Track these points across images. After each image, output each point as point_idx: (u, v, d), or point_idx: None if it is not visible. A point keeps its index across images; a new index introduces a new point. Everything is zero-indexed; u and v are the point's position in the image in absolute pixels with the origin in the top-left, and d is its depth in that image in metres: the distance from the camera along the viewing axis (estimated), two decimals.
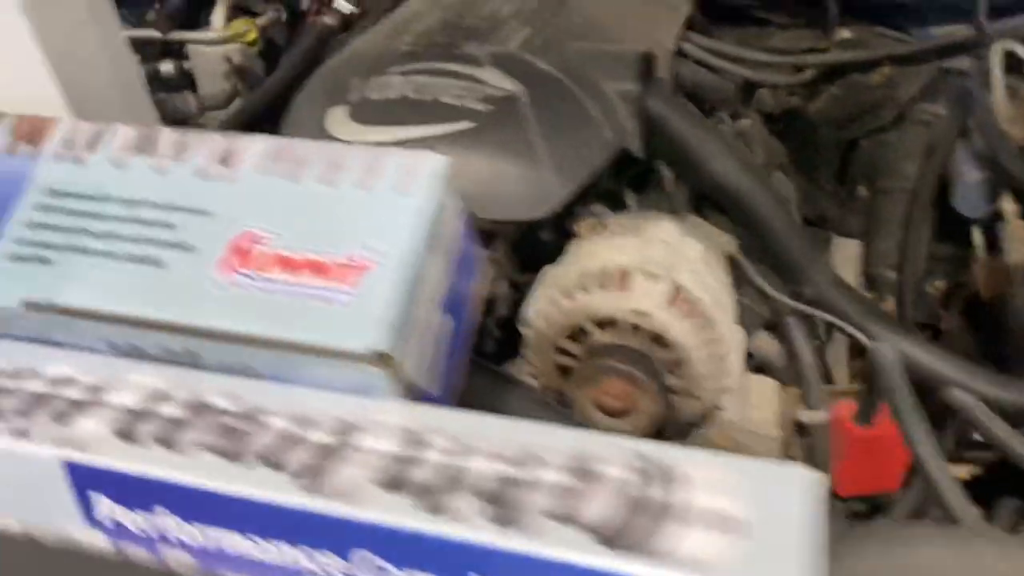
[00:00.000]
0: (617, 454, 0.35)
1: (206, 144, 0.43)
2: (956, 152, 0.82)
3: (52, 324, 0.41)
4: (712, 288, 0.59)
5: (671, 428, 0.61)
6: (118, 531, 0.37)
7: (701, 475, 0.34)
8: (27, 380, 0.41)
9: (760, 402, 0.63)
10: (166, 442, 0.37)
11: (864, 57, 0.85)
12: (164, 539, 0.37)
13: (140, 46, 0.94)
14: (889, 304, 0.81)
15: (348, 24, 0.92)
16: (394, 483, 0.34)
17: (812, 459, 0.68)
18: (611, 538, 0.31)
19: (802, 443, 0.68)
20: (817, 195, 0.95)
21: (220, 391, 0.39)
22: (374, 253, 0.38)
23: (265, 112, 0.86)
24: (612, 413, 0.58)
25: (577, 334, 0.59)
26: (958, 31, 0.84)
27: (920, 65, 0.86)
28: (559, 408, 0.57)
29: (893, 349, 0.59)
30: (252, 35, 0.93)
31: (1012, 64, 0.77)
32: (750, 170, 0.70)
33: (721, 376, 0.59)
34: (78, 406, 0.39)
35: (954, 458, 0.68)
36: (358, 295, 0.37)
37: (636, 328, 0.57)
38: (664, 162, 0.71)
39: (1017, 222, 0.73)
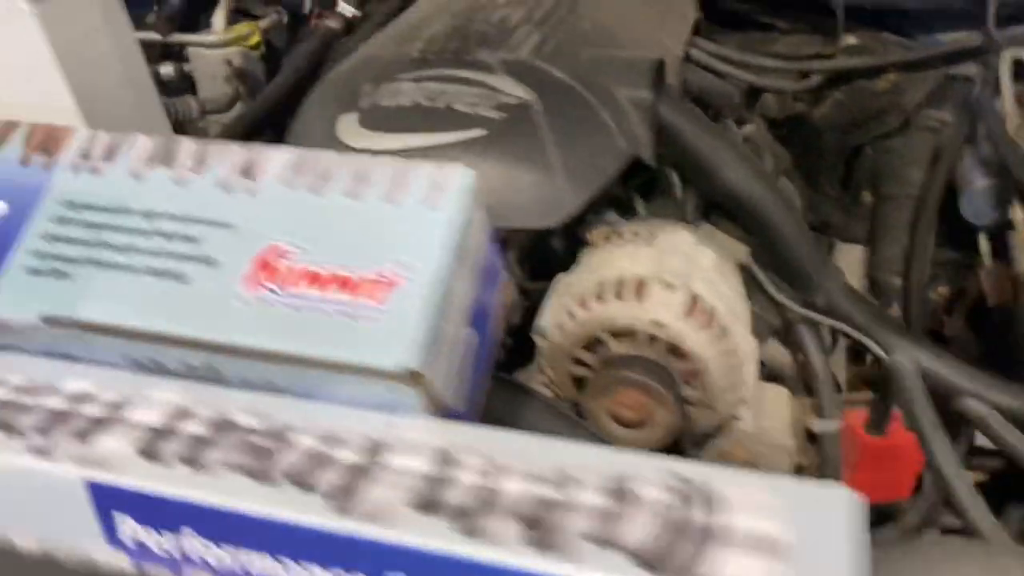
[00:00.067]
0: (655, 475, 0.34)
1: (227, 155, 0.42)
2: (963, 159, 0.82)
3: (70, 339, 0.40)
4: (727, 297, 0.59)
5: (686, 439, 0.60)
6: (141, 552, 0.37)
7: (741, 496, 0.33)
8: (45, 396, 0.40)
9: (773, 412, 0.63)
10: (191, 461, 0.36)
11: (871, 63, 0.85)
12: (189, 561, 0.36)
13: None
14: (894, 311, 0.81)
15: (351, 27, 0.91)
16: (428, 504, 0.34)
17: (824, 468, 0.67)
18: (653, 562, 0.31)
19: (813, 452, 0.68)
20: (821, 201, 0.94)
21: (244, 408, 0.39)
22: (403, 268, 0.37)
23: (269, 117, 0.85)
24: (627, 424, 0.58)
25: (593, 344, 0.58)
26: (964, 38, 0.84)
27: (926, 71, 0.86)
28: (580, 422, 0.56)
29: (912, 360, 0.58)
30: (255, 38, 0.92)
31: (1020, 71, 0.77)
32: (762, 178, 0.69)
33: (737, 387, 0.58)
34: (99, 424, 0.38)
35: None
36: (387, 311, 0.37)
37: (653, 339, 0.56)
38: (675, 169, 0.70)
39: None
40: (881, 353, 0.67)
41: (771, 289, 0.66)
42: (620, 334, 0.57)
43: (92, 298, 0.39)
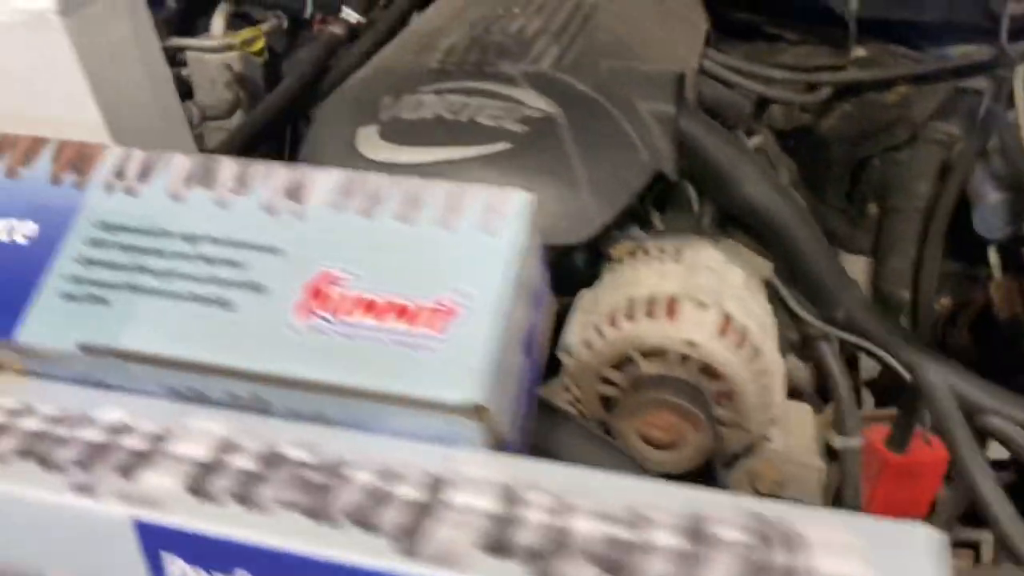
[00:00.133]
0: (731, 514, 0.33)
1: (270, 176, 0.40)
2: (975, 173, 0.82)
3: (106, 367, 0.39)
4: (757, 315, 0.58)
5: (716, 460, 0.59)
6: None
7: (820, 536, 0.32)
8: (81, 428, 0.38)
9: (798, 430, 0.62)
10: (243, 499, 0.35)
11: (882, 76, 0.85)
12: None
13: None
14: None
15: (355, 34, 0.89)
16: (498, 546, 0.32)
17: (844, 486, 0.67)
18: None
19: (833, 469, 0.67)
20: (826, 212, 0.94)
21: (292, 441, 0.37)
22: (462, 296, 0.36)
23: (273, 124, 0.83)
24: (658, 446, 0.57)
25: (622, 363, 0.57)
26: (974, 51, 0.84)
27: (935, 84, 0.86)
28: (618, 447, 0.55)
29: (944, 379, 0.58)
30: (260, 44, 0.90)
31: None
32: (782, 191, 0.69)
33: (769, 407, 0.58)
34: (142, 457, 0.37)
35: None
36: (448, 342, 0.35)
37: (685, 358, 0.56)
38: (693, 183, 0.70)
39: None
40: (901, 369, 0.66)
41: (795, 305, 0.66)
42: (651, 353, 0.56)
43: (133, 326, 0.38)
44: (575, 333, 0.60)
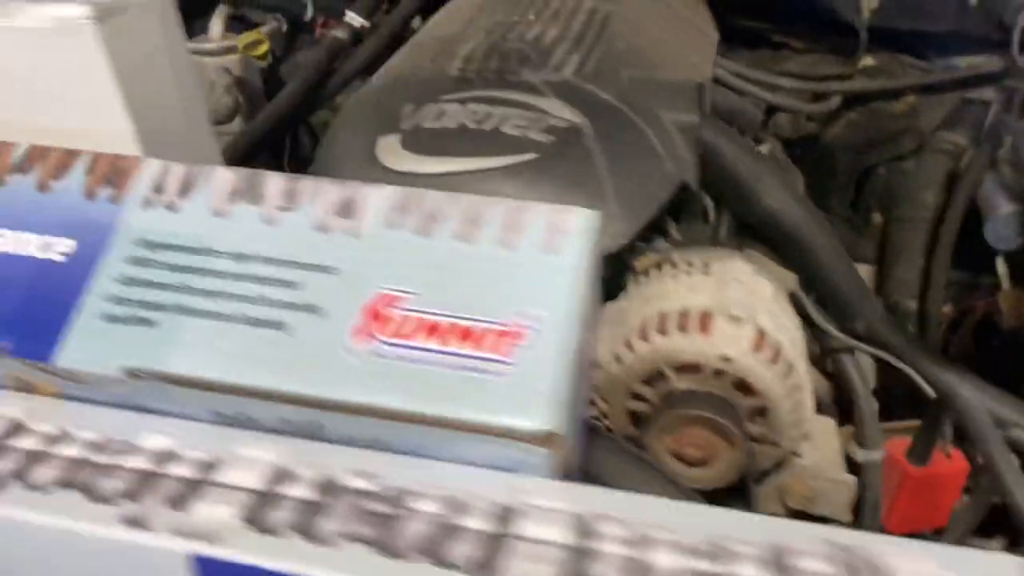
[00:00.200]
0: (812, 544, 0.32)
1: (320, 192, 0.39)
2: (985, 184, 0.82)
3: (151, 391, 0.37)
4: (788, 329, 0.57)
5: (747, 476, 0.58)
6: None
7: (908, 568, 0.31)
8: (125, 455, 0.37)
9: (825, 444, 0.62)
10: (304, 531, 0.33)
11: (892, 85, 0.85)
12: None
13: None
14: None
15: (359, 38, 0.88)
16: None
17: (865, 499, 0.66)
18: None
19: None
20: (830, 220, 0.94)
21: (350, 469, 0.36)
22: (528, 319, 0.35)
23: (278, 129, 0.81)
24: (691, 463, 0.56)
25: (653, 378, 0.56)
26: (982, 62, 0.84)
27: (943, 95, 0.86)
28: (657, 467, 0.54)
29: (978, 394, 0.58)
30: (264, 47, 0.88)
31: None
32: (803, 202, 0.68)
33: (801, 422, 0.57)
34: (193, 487, 0.35)
35: None
36: (516, 366, 0.34)
37: (719, 373, 0.55)
38: (712, 193, 0.69)
39: None
40: (922, 382, 0.66)
41: (819, 318, 0.65)
42: (684, 368, 0.55)
43: (181, 349, 0.36)
44: (603, 347, 0.59)
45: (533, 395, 0.33)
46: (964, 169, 0.83)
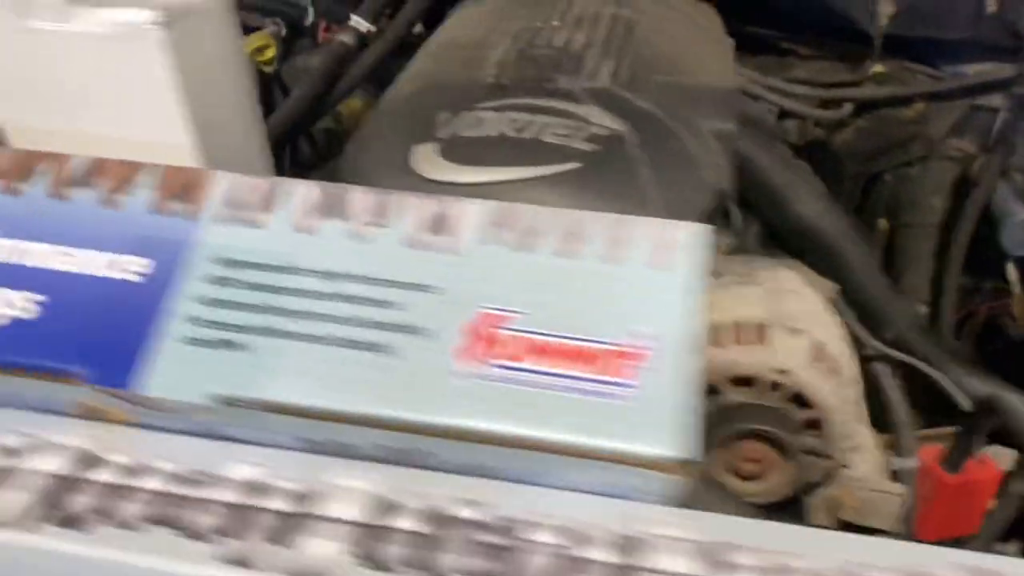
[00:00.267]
0: (952, 571, 0.31)
1: (410, 207, 0.37)
2: (998, 190, 0.82)
3: (238, 419, 0.35)
4: (840, 339, 0.57)
5: (799, 489, 0.58)
6: None
7: None
8: (212, 488, 0.34)
9: (868, 454, 0.61)
10: (421, 566, 0.32)
11: (905, 92, 0.85)
12: None
13: None
14: None
15: (365, 43, 0.85)
16: None
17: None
18: None
19: None
20: None
21: (456, 498, 0.34)
22: (645, 339, 0.34)
23: (285, 137, 0.79)
24: (745, 477, 0.55)
25: (706, 392, 0.55)
26: (990, 69, 0.85)
27: (953, 101, 0.86)
28: (715, 481, 0.53)
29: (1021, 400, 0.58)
30: (271, 52, 0.86)
31: None
32: (835, 210, 0.68)
33: (854, 434, 0.56)
34: (293, 521, 0.33)
35: None
36: (639, 389, 0.33)
37: (775, 386, 0.54)
38: (743, 201, 0.68)
39: None
40: (954, 389, 0.66)
41: (857, 327, 0.65)
42: (739, 381, 0.54)
43: (276, 374, 0.34)
44: None
45: (662, 420, 0.32)
46: (976, 176, 0.83)
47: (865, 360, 0.67)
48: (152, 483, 0.35)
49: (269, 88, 0.93)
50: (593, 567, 0.32)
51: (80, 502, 0.34)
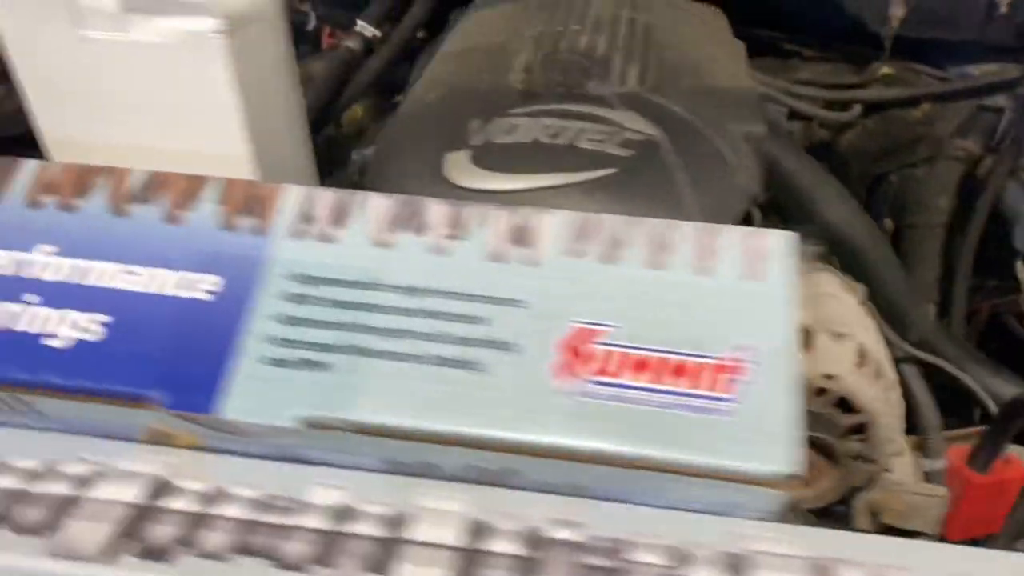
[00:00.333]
0: None
1: (489, 219, 0.36)
2: (1009, 191, 0.83)
3: (322, 441, 0.34)
4: (880, 343, 0.57)
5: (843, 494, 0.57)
6: None
7: None
8: (296, 514, 0.33)
9: (908, 457, 0.61)
10: None
11: (915, 93, 0.85)
12: None
13: None
14: None
15: (371, 49, 0.84)
16: None
17: None
18: None
19: None
20: None
21: (552, 518, 0.33)
22: (742, 352, 0.33)
23: None
24: None
25: None
26: (996, 69, 0.85)
27: (959, 102, 0.87)
28: None
29: None
30: None
31: None
32: (860, 213, 0.68)
33: (897, 439, 0.56)
34: (388, 548, 0.32)
35: None
36: (742, 403, 0.32)
37: (821, 392, 0.53)
38: (769, 203, 0.68)
39: None
40: (980, 391, 0.66)
41: (886, 329, 0.64)
42: None
43: (364, 394, 0.33)
44: None
45: (767, 435, 0.31)
46: (986, 176, 0.83)
47: (896, 362, 0.67)
48: (232, 510, 0.33)
49: None
50: None
51: (161, 532, 0.32)
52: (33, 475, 0.35)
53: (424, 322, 0.34)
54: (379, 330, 0.34)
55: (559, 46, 0.68)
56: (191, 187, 0.37)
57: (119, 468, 0.35)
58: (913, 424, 0.67)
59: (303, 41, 0.92)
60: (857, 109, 0.87)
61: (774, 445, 0.31)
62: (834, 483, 0.54)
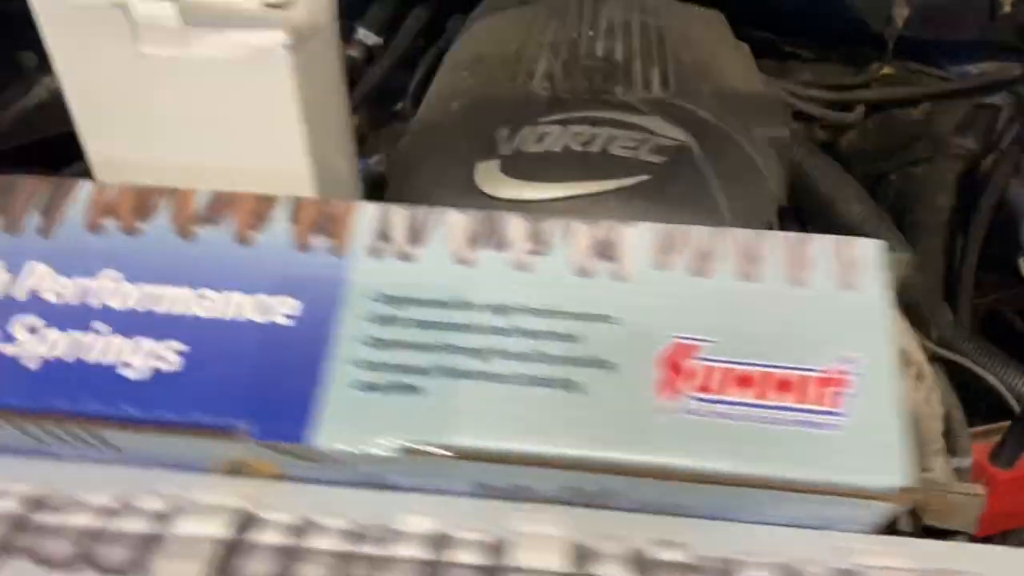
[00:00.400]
0: None
1: (569, 233, 0.35)
2: (1013, 189, 0.84)
3: (410, 467, 0.33)
4: (916, 344, 0.57)
5: None
6: None
7: None
8: (396, 544, 0.32)
9: (940, 457, 0.61)
10: None
11: (916, 93, 0.86)
12: None
13: None
14: None
15: (372, 57, 0.83)
16: None
17: None
18: None
19: None
20: None
21: (655, 539, 0.33)
22: (845, 363, 0.32)
23: None
24: None
25: None
26: (994, 68, 0.86)
27: (957, 100, 0.88)
28: None
29: None
30: None
31: None
32: (880, 214, 0.68)
33: (938, 439, 0.56)
34: (490, 575, 0.31)
35: None
36: (850, 417, 0.31)
37: None
38: (791, 207, 0.68)
39: None
40: (1002, 387, 0.67)
41: (912, 329, 0.65)
42: None
43: (462, 417, 0.32)
44: None
45: (878, 448, 0.31)
46: (989, 174, 0.84)
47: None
48: (325, 542, 0.32)
49: None
50: None
51: (256, 568, 0.31)
52: (109, 511, 0.33)
53: (516, 341, 0.33)
54: (470, 350, 0.33)
55: (578, 52, 0.67)
56: (260, 206, 0.36)
57: (198, 501, 0.33)
58: None
59: None
60: (860, 110, 0.87)
61: (887, 458, 0.31)
62: None
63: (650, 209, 0.56)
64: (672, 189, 0.57)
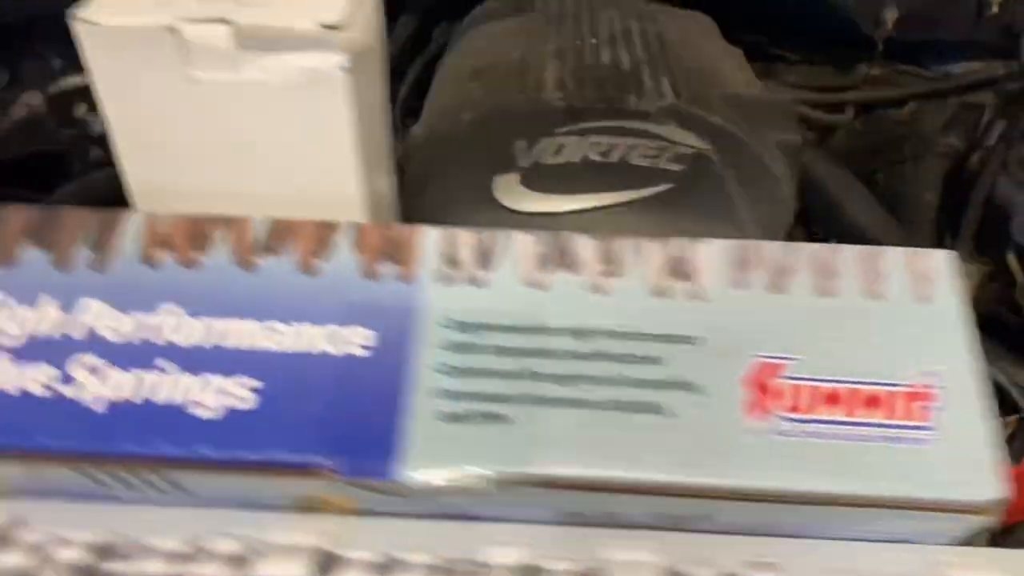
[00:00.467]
0: None
1: (640, 252, 0.35)
2: (1001, 185, 0.85)
3: (499, 496, 0.32)
4: None
5: None
6: None
7: None
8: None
9: None
10: None
11: (903, 94, 0.87)
12: None
13: None
14: None
15: None
16: None
17: None
18: None
19: None
20: None
21: (748, 562, 0.32)
22: (931, 377, 0.32)
23: None
24: None
25: None
26: (980, 68, 0.88)
27: (945, 100, 0.89)
28: None
29: None
30: None
31: None
32: (889, 218, 0.69)
33: None
34: None
35: None
36: (938, 431, 0.31)
37: None
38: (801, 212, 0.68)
39: None
40: (1005, 381, 0.67)
41: None
42: None
43: (550, 446, 0.31)
44: None
45: (971, 461, 0.31)
46: (976, 171, 0.85)
47: None
48: None
49: None
50: None
51: None
52: (183, 557, 0.32)
53: (597, 365, 0.32)
54: (552, 376, 0.32)
55: (584, 61, 0.66)
56: (321, 234, 0.35)
57: (275, 542, 0.32)
58: None
59: None
60: (850, 111, 0.88)
61: (979, 471, 0.31)
62: None
63: (673, 218, 0.55)
64: (694, 197, 0.57)
